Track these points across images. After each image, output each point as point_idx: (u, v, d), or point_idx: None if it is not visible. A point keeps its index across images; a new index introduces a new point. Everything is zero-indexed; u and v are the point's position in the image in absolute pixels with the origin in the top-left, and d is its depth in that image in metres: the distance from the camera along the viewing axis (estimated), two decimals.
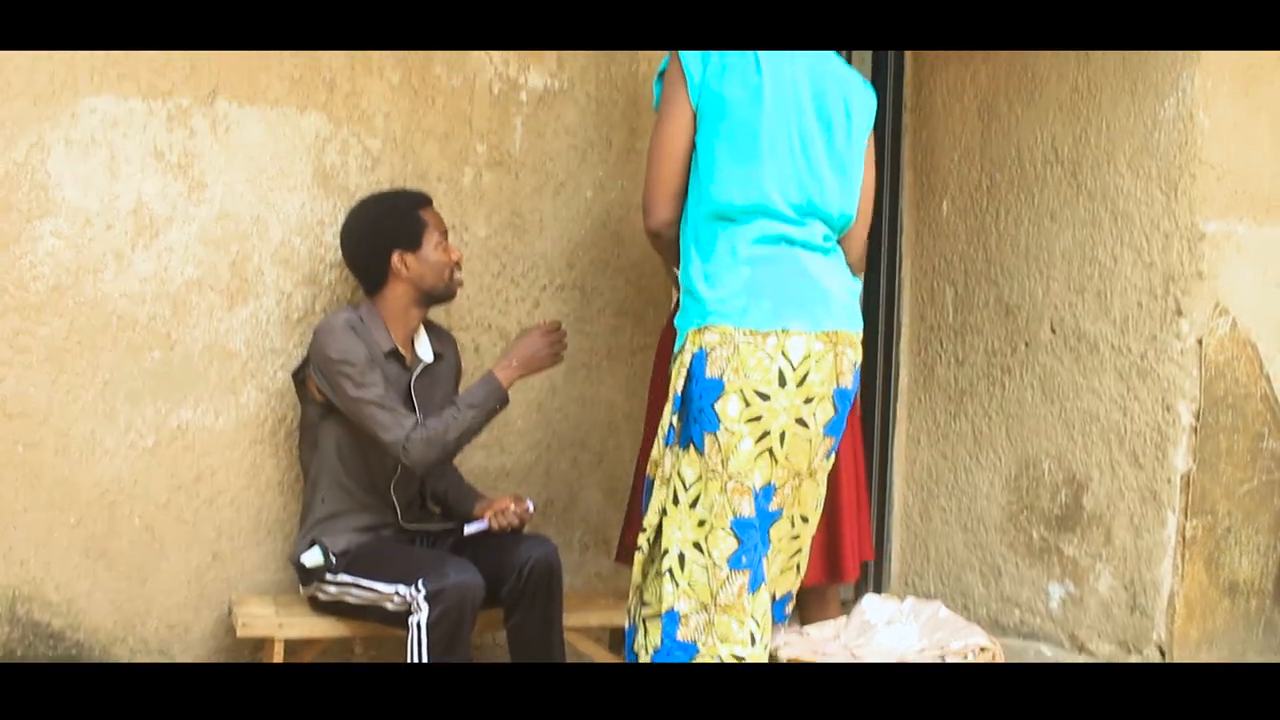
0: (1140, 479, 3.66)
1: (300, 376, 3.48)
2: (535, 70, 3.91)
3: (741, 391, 2.94)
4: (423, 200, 3.49)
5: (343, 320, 3.37)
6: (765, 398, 2.95)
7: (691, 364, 2.99)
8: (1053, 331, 3.87)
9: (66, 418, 3.44)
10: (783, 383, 2.95)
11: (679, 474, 3.00)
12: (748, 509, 2.97)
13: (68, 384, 3.43)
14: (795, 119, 3.03)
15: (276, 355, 3.63)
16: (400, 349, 3.44)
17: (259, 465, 3.64)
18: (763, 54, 3.01)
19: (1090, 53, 3.75)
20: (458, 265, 3.48)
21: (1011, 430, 3.99)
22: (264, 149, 3.59)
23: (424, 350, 3.51)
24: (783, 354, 2.95)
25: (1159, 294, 3.61)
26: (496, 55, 3.84)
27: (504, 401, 3.42)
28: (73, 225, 3.41)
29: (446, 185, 3.80)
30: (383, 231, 3.42)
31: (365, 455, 3.43)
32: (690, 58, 3.02)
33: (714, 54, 3.01)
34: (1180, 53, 3.56)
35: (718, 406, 2.95)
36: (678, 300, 3.22)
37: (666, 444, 3.03)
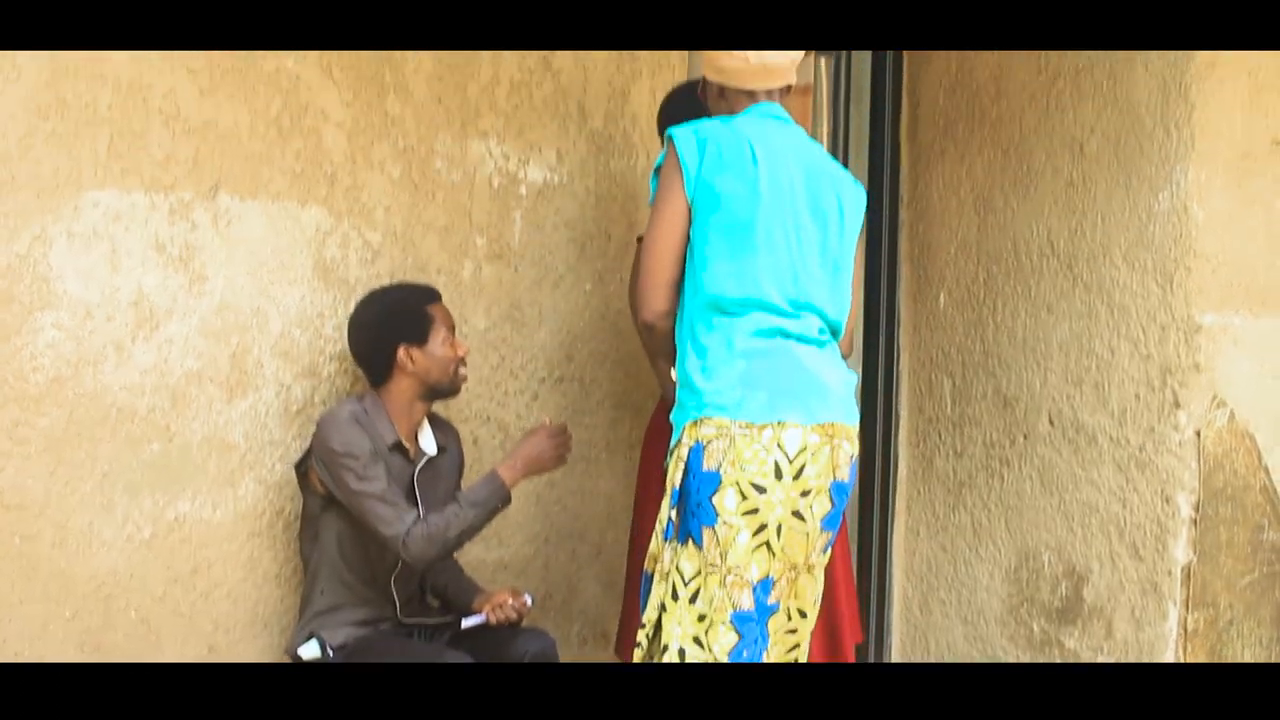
0: (1141, 571, 3.64)
1: (303, 468, 3.47)
2: (534, 164, 3.94)
3: (738, 484, 2.93)
4: (431, 295, 3.51)
5: (347, 412, 3.36)
6: (762, 490, 2.94)
7: (689, 457, 2.98)
8: (1051, 423, 3.87)
9: (64, 510, 3.42)
10: (779, 475, 2.95)
11: (678, 568, 2.99)
12: (747, 602, 2.96)
13: (66, 476, 3.42)
14: (790, 214, 3.05)
15: (275, 447, 3.62)
16: (404, 442, 3.44)
17: (256, 558, 3.62)
18: (759, 147, 3.03)
19: (1084, 146, 3.79)
20: (463, 361, 3.49)
21: (1011, 522, 3.98)
22: (265, 242, 3.61)
23: (428, 443, 3.50)
24: (779, 446, 2.95)
25: (1156, 386, 3.62)
26: (496, 149, 3.88)
27: (506, 501, 3.41)
28: (73, 317, 3.42)
29: (446, 278, 3.82)
30: (390, 325, 3.43)
31: (366, 549, 3.41)
32: (687, 150, 3.04)
33: (710, 146, 3.03)
34: (1173, 145, 3.60)
35: (715, 500, 2.94)
36: (666, 394, 3.23)
37: (665, 538, 3.02)
